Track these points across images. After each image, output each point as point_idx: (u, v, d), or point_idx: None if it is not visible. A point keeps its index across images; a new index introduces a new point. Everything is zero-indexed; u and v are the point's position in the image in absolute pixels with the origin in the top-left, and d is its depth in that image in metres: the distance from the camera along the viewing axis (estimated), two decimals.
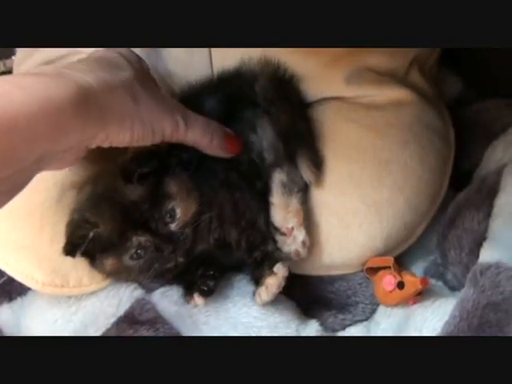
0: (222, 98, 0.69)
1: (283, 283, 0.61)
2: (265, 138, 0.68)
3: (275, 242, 0.64)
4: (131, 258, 0.58)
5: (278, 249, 0.64)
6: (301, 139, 0.68)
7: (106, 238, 0.57)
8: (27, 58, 0.79)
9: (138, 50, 0.64)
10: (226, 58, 0.75)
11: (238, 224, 0.63)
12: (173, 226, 0.59)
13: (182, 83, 0.77)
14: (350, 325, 0.67)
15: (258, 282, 0.63)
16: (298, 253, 0.63)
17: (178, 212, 0.59)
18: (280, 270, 0.61)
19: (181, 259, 0.60)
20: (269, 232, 0.65)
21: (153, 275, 0.60)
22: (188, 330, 0.63)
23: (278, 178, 0.66)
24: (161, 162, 0.60)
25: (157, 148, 0.60)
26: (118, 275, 0.62)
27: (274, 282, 0.61)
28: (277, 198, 0.65)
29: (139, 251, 0.58)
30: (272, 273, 0.61)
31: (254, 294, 0.63)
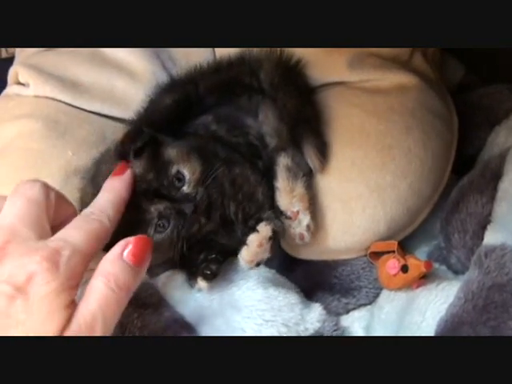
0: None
1: (266, 243, 0.61)
2: (267, 123, 0.68)
3: (271, 209, 0.65)
4: (156, 231, 0.58)
5: (276, 217, 0.64)
6: (307, 124, 0.68)
7: (126, 221, 0.56)
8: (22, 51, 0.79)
9: None
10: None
11: (235, 197, 0.63)
12: (185, 188, 0.59)
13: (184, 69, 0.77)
14: (353, 309, 0.67)
15: None
16: (302, 236, 0.64)
17: (186, 173, 0.59)
18: (263, 228, 0.61)
19: (203, 219, 0.60)
20: (266, 202, 0.65)
21: (182, 246, 0.59)
22: (192, 314, 0.63)
23: (283, 162, 0.66)
24: (152, 136, 0.60)
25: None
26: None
27: (254, 238, 0.60)
28: (282, 183, 0.65)
29: (162, 222, 0.58)
30: (255, 231, 0.61)
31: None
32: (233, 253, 0.66)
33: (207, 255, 0.63)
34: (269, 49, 0.71)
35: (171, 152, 0.60)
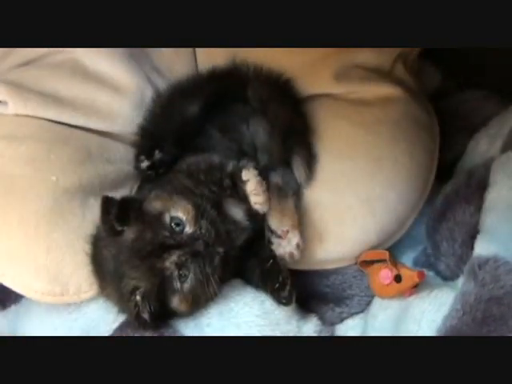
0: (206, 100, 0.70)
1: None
2: (257, 137, 0.69)
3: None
4: (181, 281, 0.58)
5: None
6: (298, 136, 0.69)
7: (149, 287, 0.57)
8: (3, 59, 0.76)
9: None
10: (211, 56, 0.76)
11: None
12: (187, 229, 0.59)
13: (168, 80, 0.77)
14: (347, 317, 0.69)
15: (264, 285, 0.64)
16: (292, 255, 0.64)
17: (180, 215, 0.59)
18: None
19: (220, 249, 0.59)
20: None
21: (218, 283, 0.59)
22: (192, 333, 0.63)
23: (273, 181, 0.67)
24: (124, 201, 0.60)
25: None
26: (194, 306, 0.61)
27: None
28: (272, 202, 0.65)
29: (182, 271, 0.58)
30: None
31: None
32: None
33: None
34: (257, 65, 0.72)
35: (154, 203, 0.60)
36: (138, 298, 0.57)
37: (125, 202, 0.60)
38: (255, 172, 0.62)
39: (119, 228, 0.58)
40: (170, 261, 0.58)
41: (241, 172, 0.62)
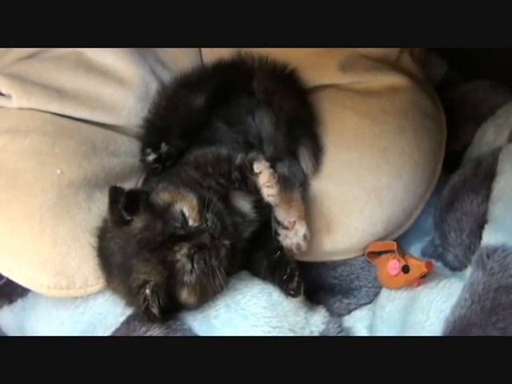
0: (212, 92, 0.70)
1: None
2: (263, 129, 0.69)
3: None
4: (191, 275, 0.58)
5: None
6: (304, 127, 0.69)
7: (159, 280, 0.57)
8: (6, 53, 0.76)
9: None
10: (216, 48, 0.76)
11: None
12: (191, 222, 0.59)
13: (172, 72, 0.76)
14: (355, 309, 0.68)
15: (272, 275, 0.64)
16: (299, 246, 0.64)
17: (186, 210, 0.59)
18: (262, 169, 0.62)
19: (226, 242, 0.59)
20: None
21: (224, 276, 0.59)
22: (199, 325, 0.63)
23: (280, 172, 0.66)
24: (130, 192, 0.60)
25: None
26: (201, 298, 0.61)
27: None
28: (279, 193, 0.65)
29: (194, 265, 0.58)
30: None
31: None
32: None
33: None
34: (262, 57, 0.72)
35: (162, 195, 0.60)
36: (147, 291, 0.57)
37: (133, 193, 0.60)
38: (267, 164, 0.62)
39: (127, 217, 0.58)
40: (181, 253, 0.57)
41: (251, 164, 0.62)
